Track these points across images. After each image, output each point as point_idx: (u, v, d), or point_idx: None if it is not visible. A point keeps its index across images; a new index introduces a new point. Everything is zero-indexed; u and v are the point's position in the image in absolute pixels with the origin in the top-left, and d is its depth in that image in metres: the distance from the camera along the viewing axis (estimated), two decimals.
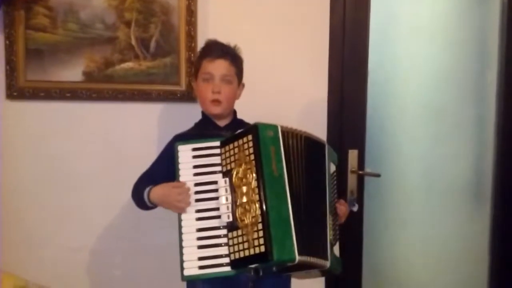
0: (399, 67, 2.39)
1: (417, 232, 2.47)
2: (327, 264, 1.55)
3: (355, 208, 2.24)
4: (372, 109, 2.33)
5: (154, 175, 1.73)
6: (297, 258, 1.43)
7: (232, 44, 1.81)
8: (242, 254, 1.45)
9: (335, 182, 1.74)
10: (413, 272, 2.50)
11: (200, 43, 1.96)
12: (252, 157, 1.48)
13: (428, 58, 2.41)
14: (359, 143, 2.30)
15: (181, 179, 1.58)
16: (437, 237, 2.47)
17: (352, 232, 2.29)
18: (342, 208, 1.75)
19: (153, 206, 1.69)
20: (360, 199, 2.30)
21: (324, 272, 1.66)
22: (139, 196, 1.69)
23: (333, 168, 1.74)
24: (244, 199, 1.48)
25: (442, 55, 2.42)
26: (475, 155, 2.49)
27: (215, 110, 1.76)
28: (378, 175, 2.28)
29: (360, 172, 2.29)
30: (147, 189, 1.65)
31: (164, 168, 1.70)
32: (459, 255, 2.50)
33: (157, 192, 1.63)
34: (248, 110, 1.85)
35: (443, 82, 2.42)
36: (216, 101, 1.74)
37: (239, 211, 1.48)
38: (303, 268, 1.58)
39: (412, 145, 2.42)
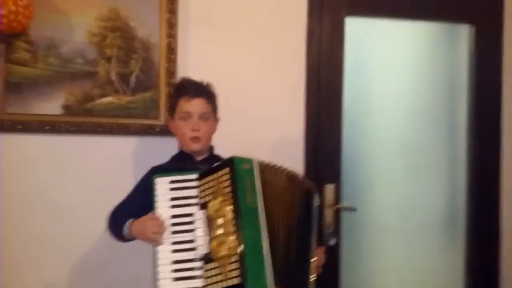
0: (374, 103, 2.46)
1: (393, 264, 2.49)
2: None
3: (333, 242, 2.26)
4: (347, 144, 2.38)
5: (130, 205, 1.75)
6: None
7: (205, 82, 1.85)
8: (217, 287, 1.45)
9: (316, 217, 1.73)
10: None
11: (179, 80, 2.00)
12: (229, 189, 1.51)
13: (402, 95, 2.48)
14: (335, 178, 2.35)
15: (158, 211, 1.60)
16: (413, 268, 2.49)
17: (330, 266, 2.27)
18: (319, 258, 1.71)
19: (131, 239, 1.69)
20: (337, 233, 2.32)
21: None
22: (118, 228, 1.69)
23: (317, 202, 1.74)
24: (220, 231, 1.49)
25: (415, 92, 2.50)
26: (448, 189, 2.54)
27: (195, 147, 1.79)
28: (354, 209, 2.31)
29: (337, 206, 2.32)
30: (128, 223, 1.66)
31: (140, 199, 1.73)
32: (434, 285, 2.52)
33: (134, 225, 1.64)
34: (226, 142, 1.88)
35: (417, 118, 2.49)
36: (196, 138, 1.77)
37: (214, 243, 1.49)
38: None
39: (387, 179, 2.47)
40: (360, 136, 2.44)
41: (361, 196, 2.43)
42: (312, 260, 1.62)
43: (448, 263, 2.53)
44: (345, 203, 2.35)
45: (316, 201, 1.70)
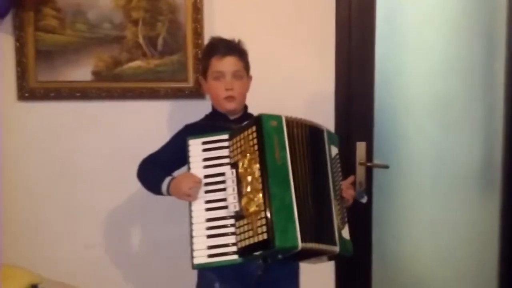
0: (406, 57, 2.39)
1: (427, 221, 2.46)
2: (336, 249, 1.57)
3: (364, 200, 2.24)
4: (379, 101, 2.33)
5: (162, 158, 1.79)
6: (300, 245, 1.45)
7: (236, 39, 1.83)
8: (247, 242, 1.48)
9: (338, 165, 1.74)
10: (423, 260, 2.50)
11: (207, 40, 1.98)
12: (256, 147, 1.52)
13: (435, 48, 2.40)
14: (367, 135, 2.31)
15: (192, 171, 1.63)
16: (447, 225, 2.46)
17: (362, 224, 2.30)
18: (348, 191, 1.74)
19: (166, 194, 1.71)
20: (369, 191, 2.30)
21: (331, 257, 1.67)
22: (155, 182, 1.71)
23: (335, 150, 1.74)
24: (249, 189, 1.51)
25: (449, 44, 2.42)
26: (484, 143, 2.48)
27: (230, 106, 1.78)
28: (386, 167, 2.28)
29: (369, 164, 2.29)
30: (167, 180, 1.67)
31: (172, 154, 1.78)
32: (469, 242, 2.49)
33: (172, 182, 1.66)
34: (256, 103, 1.87)
35: (450, 72, 2.42)
36: (230, 97, 1.77)
37: (244, 200, 1.51)
38: (312, 255, 1.61)
39: (420, 135, 2.42)
40: (393, 91, 2.38)
41: (394, 154, 2.39)
42: (335, 207, 1.62)
43: (484, 218, 2.49)
44: (377, 160, 2.32)
45: (330, 141, 1.69)
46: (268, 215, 1.44)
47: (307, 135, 1.61)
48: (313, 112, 2.15)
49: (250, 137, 1.54)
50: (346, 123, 2.30)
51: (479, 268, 2.53)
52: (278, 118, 1.57)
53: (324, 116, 2.25)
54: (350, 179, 1.79)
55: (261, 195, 1.47)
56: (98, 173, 2.18)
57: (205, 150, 1.64)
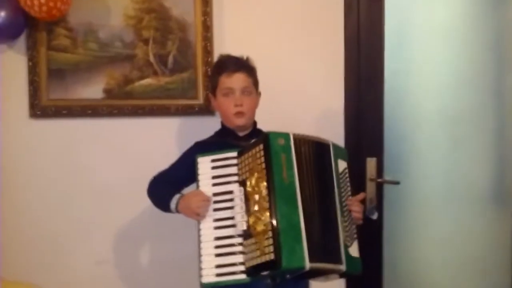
0: (416, 72, 2.39)
1: (438, 237, 2.44)
2: (342, 268, 1.55)
3: (375, 216, 2.23)
4: (389, 116, 2.32)
5: (172, 176, 1.80)
6: (308, 265, 1.44)
7: (244, 56, 1.85)
8: (254, 262, 1.48)
9: (347, 179, 1.72)
10: (435, 276, 2.47)
11: (217, 57, 2.00)
12: (264, 165, 1.52)
13: (445, 62, 2.40)
14: (377, 151, 2.30)
15: (201, 189, 1.63)
16: (459, 241, 2.44)
17: (372, 240, 2.28)
18: (357, 208, 1.70)
19: (175, 212, 1.71)
20: (379, 207, 2.29)
21: (342, 275, 1.64)
22: (164, 200, 1.71)
23: (343, 164, 1.72)
24: (256, 207, 1.51)
25: (459, 58, 2.41)
26: (495, 157, 2.46)
27: (239, 122, 1.79)
28: (397, 183, 2.27)
29: (379, 180, 2.28)
30: (176, 198, 1.68)
31: (181, 172, 1.79)
32: (481, 258, 2.46)
33: (181, 200, 1.67)
34: (265, 119, 1.88)
35: (461, 86, 2.41)
36: (240, 113, 1.78)
37: (252, 219, 1.51)
38: (319, 274, 1.59)
39: (431, 150, 2.41)
40: (402, 106, 2.38)
41: (404, 169, 2.38)
42: (342, 224, 1.60)
43: (496, 233, 2.46)
44: (387, 176, 2.31)
45: (337, 156, 1.67)
46: (275, 235, 1.44)
47: (313, 152, 1.60)
48: (322, 128, 2.18)
49: (258, 155, 1.54)
50: (356, 139, 2.30)
51: (491, 285, 2.49)
52: (285, 136, 1.56)
53: (333, 131, 2.26)
54: (361, 196, 1.77)
55: (268, 214, 1.47)
56: (109, 190, 2.19)
57: (214, 167, 1.64)
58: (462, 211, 2.44)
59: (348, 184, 1.72)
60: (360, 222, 1.73)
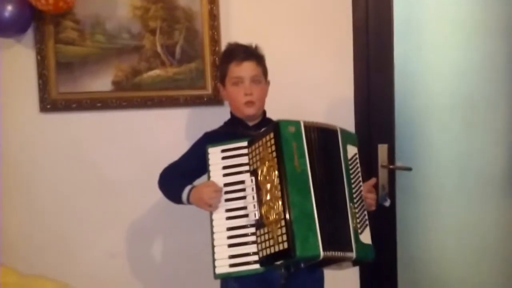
0: (427, 57, 2.35)
1: (451, 223, 2.41)
2: (353, 255, 1.53)
3: (387, 203, 2.22)
4: (400, 102, 2.30)
5: (182, 167, 1.78)
6: (322, 254, 1.44)
7: (253, 44, 1.83)
8: (268, 251, 1.47)
9: (357, 165, 1.68)
10: (449, 263, 2.46)
11: (224, 47, 1.98)
12: (274, 154, 1.50)
13: (456, 46, 2.36)
14: (389, 137, 2.28)
15: (212, 180, 1.62)
16: (472, 226, 2.42)
17: (385, 227, 2.27)
18: (370, 195, 1.69)
19: (186, 203, 1.70)
20: (392, 194, 2.27)
21: (354, 262, 1.63)
22: (174, 190, 1.71)
23: (354, 150, 1.69)
24: (268, 197, 1.49)
25: (470, 42, 2.37)
26: (508, 143, 2.42)
27: (249, 111, 1.78)
28: (409, 169, 2.25)
29: (391, 166, 2.26)
30: (187, 189, 1.67)
31: (192, 163, 1.77)
32: (495, 244, 2.43)
33: (193, 191, 1.66)
34: (274, 108, 1.86)
35: (472, 70, 2.37)
36: (250, 102, 1.77)
37: (264, 208, 1.50)
38: (332, 262, 1.58)
39: (443, 136, 2.38)
40: (413, 92, 2.34)
41: (416, 155, 2.36)
42: (352, 210, 1.58)
43: (509, 218, 2.43)
44: (399, 163, 2.29)
45: (346, 141, 1.65)
46: (288, 223, 1.43)
47: (320, 138, 1.58)
48: (332, 116, 2.16)
49: (268, 144, 1.52)
50: (366, 126, 2.28)
51: (506, 271, 2.46)
52: (296, 123, 1.55)
53: (344, 119, 2.25)
54: (372, 181, 1.73)
55: (280, 203, 1.46)
56: (121, 182, 2.20)
57: (224, 158, 1.63)
58: (476, 197, 2.41)
59: (359, 169, 1.69)
60: (373, 208, 1.72)
